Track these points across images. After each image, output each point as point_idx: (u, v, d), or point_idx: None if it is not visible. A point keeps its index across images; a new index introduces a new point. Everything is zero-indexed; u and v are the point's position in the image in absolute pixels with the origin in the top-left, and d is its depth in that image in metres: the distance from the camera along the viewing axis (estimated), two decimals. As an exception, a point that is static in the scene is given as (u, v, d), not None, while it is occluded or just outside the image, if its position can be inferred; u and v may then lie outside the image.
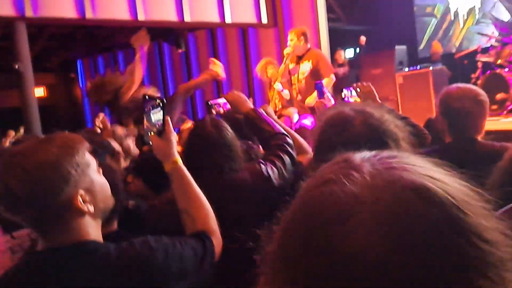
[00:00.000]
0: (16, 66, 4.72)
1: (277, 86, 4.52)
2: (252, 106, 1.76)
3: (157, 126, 1.20)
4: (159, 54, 8.65)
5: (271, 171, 1.52)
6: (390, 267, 0.37)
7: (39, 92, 9.49)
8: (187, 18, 5.53)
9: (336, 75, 5.04)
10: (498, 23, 6.96)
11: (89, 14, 4.90)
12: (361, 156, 0.46)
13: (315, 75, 4.20)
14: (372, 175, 0.42)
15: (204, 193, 1.19)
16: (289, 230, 0.43)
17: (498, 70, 5.71)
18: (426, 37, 8.11)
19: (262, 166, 1.53)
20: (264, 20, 6.32)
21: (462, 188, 0.42)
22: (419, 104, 6.00)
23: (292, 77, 4.42)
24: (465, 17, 7.48)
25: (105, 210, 1.04)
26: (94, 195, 0.99)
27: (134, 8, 5.19)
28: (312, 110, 4.10)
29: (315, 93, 4.18)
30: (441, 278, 0.37)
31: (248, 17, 6.24)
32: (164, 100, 1.22)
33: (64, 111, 10.15)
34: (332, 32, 6.83)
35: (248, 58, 7.15)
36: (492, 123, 4.30)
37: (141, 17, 5.23)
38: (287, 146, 1.61)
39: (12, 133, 4.23)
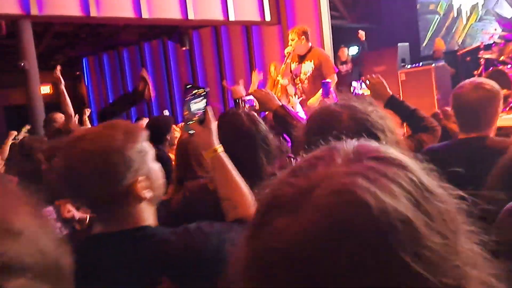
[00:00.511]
0: (22, 64, 4.78)
1: (284, 81, 4.53)
2: (280, 103, 1.79)
3: (198, 115, 1.22)
4: (164, 52, 8.70)
5: None
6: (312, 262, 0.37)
7: (45, 90, 9.56)
8: (191, 16, 5.57)
9: (339, 72, 5.04)
10: (501, 19, 6.95)
11: (93, 12, 4.96)
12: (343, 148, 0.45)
13: (318, 75, 4.17)
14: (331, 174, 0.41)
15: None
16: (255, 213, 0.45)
17: (500, 67, 5.71)
18: (429, 35, 8.11)
19: (293, 161, 1.56)
20: (268, 17, 6.35)
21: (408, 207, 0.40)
22: (421, 100, 6.00)
23: (296, 78, 4.40)
24: (468, 14, 7.47)
25: (159, 197, 1.07)
26: (152, 182, 1.01)
27: (139, 6, 5.23)
28: None
29: (318, 94, 4.20)
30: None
31: (252, 15, 6.28)
32: (208, 90, 1.24)
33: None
34: (335, 30, 6.85)
35: (251, 55, 7.19)
36: (494, 120, 4.31)
37: (145, 15, 5.27)
38: None
39: (14, 133, 4.27)
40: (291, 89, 4.64)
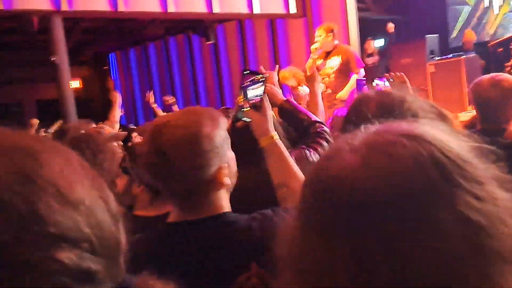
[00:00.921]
0: (54, 59, 4.91)
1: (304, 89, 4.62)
2: (284, 97, 1.78)
3: (254, 101, 1.21)
4: (189, 46, 8.78)
5: (315, 157, 1.55)
6: (368, 191, 0.41)
7: (75, 84, 9.81)
8: (216, 9, 5.60)
9: (365, 65, 5.02)
10: (536, 9, 6.70)
11: (121, 7, 5.05)
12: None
13: (345, 70, 4.27)
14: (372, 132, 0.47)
15: (253, 177, 1.22)
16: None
17: (535, 58, 5.51)
18: (458, 26, 7.88)
19: (307, 151, 1.56)
20: (293, 10, 6.31)
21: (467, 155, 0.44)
22: (451, 93, 5.86)
23: (321, 72, 4.43)
24: (501, 3, 7.22)
25: (233, 185, 1.06)
26: (230, 169, 1.01)
27: (164, 1, 5.30)
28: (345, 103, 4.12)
29: (347, 87, 4.21)
30: (411, 208, 0.40)
31: (277, 8, 6.25)
32: (267, 75, 1.25)
33: (98, 103, 10.48)
34: (361, 22, 6.75)
35: (276, 49, 7.17)
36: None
37: (171, 9, 5.34)
38: (325, 133, 1.64)
39: (36, 121, 4.35)
40: (322, 87, 4.63)
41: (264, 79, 1.22)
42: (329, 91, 4.40)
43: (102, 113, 10.05)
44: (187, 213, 0.99)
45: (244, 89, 1.24)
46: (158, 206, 1.45)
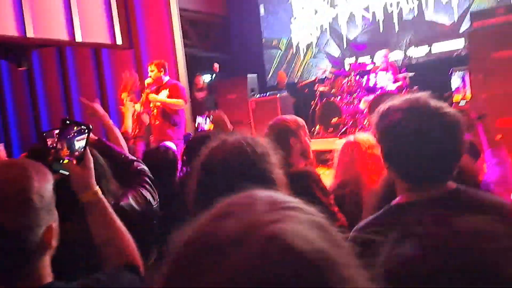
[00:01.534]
0: None
1: (145, 118, 4.73)
2: (94, 137, 1.70)
3: (77, 153, 1.11)
4: (-5, 71, 7.62)
5: (148, 195, 1.52)
6: None
7: None
8: (30, 33, 5.05)
9: (195, 99, 5.33)
10: (330, 57, 8.08)
11: None
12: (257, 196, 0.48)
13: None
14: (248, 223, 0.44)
15: (72, 235, 1.10)
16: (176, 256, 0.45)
17: (332, 98, 6.61)
18: (273, 67, 8.92)
19: (141, 190, 1.51)
20: (119, 41, 6.15)
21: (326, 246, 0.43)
22: (270, 127, 6.53)
23: (151, 105, 4.71)
24: (305, 51, 8.49)
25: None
26: (56, 228, 0.91)
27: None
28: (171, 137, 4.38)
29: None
30: None
31: (101, 37, 6.00)
32: (92, 127, 1.13)
33: None
34: (189, 58, 7.01)
35: (102, 79, 6.83)
36: (329, 144, 4.96)
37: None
38: (145, 171, 1.63)
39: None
40: (146, 118, 4.78)
41: (89, 130, 1.15)
42: (157, 122, 4.66)
43: None
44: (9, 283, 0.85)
45: (66, 140, 1.15)
46: None
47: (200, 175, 1.08)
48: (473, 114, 1.80)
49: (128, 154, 1.68)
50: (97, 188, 1.12)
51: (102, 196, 1.12)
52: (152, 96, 4.56)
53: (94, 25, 5.84)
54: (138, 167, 1.63)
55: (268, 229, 0.42)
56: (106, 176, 1.41)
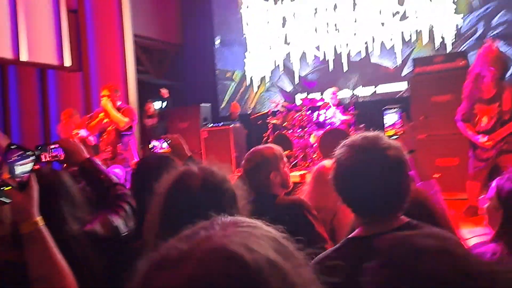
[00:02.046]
0: None
1: (82, 132, 4.59)
2: (87, 155, 1.65)
3: (21, 179, 1.03)
4: None
5: (117, 222, 1.43)
6: None
7: None
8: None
9: (145, 125, 5.26)
10: (283, 92, 8.29)
11: None
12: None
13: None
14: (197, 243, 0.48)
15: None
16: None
17: (284, 131, 6.72)
18: (226, 98, 8.98)
19: (110, 216, 1.43)
20: (68, 63, 5.94)
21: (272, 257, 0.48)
22: (221, 157, 6.49)
23: (103, 131, 4.62)
24: (258, 84, 8.66)
25: None
26: None
27: None
28: (122, 161, 4.37)
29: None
30: None
31: (49, 58, 5.76)
32: (38, 153, 1.05)
33: None
34: (141, 84, 6.90)
35: (45, 101, 6.52)
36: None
37: None
38: (126, 196, 1.56)
39: None
40: (91, 141, 4.72)
41: (34, 155, 1.09)
42: (109, 148, 4.55)
43: None
44: None
45: (9, 164, 1.07)
46: None
47: (163, 207, 1.04)
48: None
49: (113, 178, 1.59)
50: (38, 218, 1.04)
51: (43, 228, 1.04)
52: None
53: (42, 45, 5.61)
54: (118, 192, 1.55)
55: (214, 242, 0.47)
56: (72, 202, 1.32)
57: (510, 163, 3.54)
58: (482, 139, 3.78)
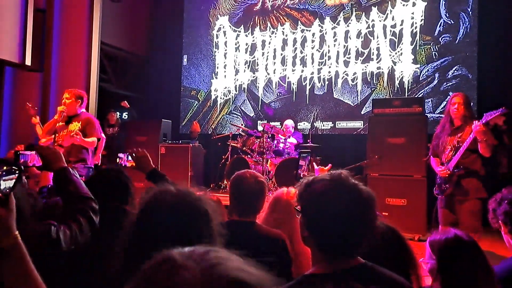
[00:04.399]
0: None
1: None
2: (65, 164, 1.62)
3: (2, 194, 1.02)
4: None
5: (63, 234, 1.37)
6: None
7: None
8: None
9: (106, 133, 5.13)
10: (245, 117, 8.38)
11: None
12: (181, 254, 0.53)
13: (83, 135, 4.24)
14: (199, 272, 0.49)
15: None
16: None
17: (243, 156, 6.76)
18: (188, 116, 8.95)
19: (53, 227, 1.37)
20: (28, 61, 5.73)
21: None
22: (177, 175, 6.43)
23: (56, 135, 4.39)
24: (222, 106, 8.71)
25: None
26: None
27: None
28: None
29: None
30: None
31: (9, 54, 5.54)
32: (23, 169, 1.02)
33: None
34: (103, 92, 6.75)
35: (0, 98, 6.21)
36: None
37: None
38: (90, 211, 1.52)
39: None
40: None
41: (19, 171, 1.08)
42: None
43: None
44: None
45: None
46: None
47: (136, 226, 1.04)
48: None
49: (85, 191, 1.56)
50: (17, 232, 1.03)
51: (21, 242, 1.03)
52: (74, 125, 4.25)
53: (2, 40, 5.40)
54: (83, 206, 1.51)
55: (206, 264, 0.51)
56: (22, 216, 1.29)
57: (471, 185, 3.63)
58: (439, 168, 3.80)
